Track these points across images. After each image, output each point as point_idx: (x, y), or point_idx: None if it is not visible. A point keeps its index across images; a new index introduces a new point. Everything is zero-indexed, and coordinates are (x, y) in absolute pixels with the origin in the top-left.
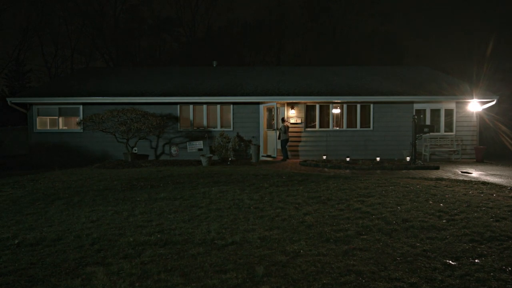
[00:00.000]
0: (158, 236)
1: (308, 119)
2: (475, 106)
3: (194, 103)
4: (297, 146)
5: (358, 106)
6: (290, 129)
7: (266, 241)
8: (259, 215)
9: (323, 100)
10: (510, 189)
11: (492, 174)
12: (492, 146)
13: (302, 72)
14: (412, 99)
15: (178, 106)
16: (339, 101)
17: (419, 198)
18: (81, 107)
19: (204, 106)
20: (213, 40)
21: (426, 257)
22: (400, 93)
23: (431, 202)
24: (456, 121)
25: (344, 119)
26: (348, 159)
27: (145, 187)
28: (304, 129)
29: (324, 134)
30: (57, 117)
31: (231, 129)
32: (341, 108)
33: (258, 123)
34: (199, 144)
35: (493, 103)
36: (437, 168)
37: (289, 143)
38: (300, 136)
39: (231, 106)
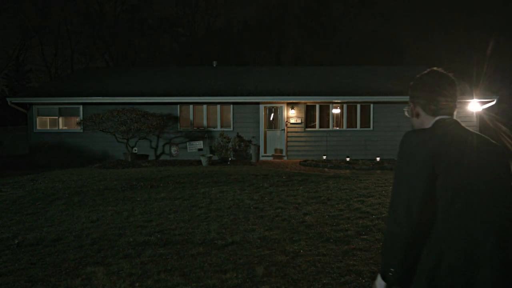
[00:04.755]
0: (158, 236)
1: (308, 119)
2: (475, 106)
3: (194, 103)
4: (297, 146)
5: (358, 106)
6: (290, 129)
7: (266, 241)
8: (259, 215)
9: (323, 100)
10: None
11: None
12: None
13: (302, 72)
14: None
15: (178, 106)
16: (339, 101)
17: None
18: (81, 107)
19: (204, 106)
20: (213, 40)
21: None
22: (400, 93)
23: None
24: None
25: (344, 119)
26: (348, 159)
27: (145, 187)
28: (304, 129)
29: (324, 134)
30: (57, 117)
31: (231, 129)
32: (341, 108)
33: (258, 123)
34: (199, 144)
35: (493, 103)
36: None
37: (289, 143)
38: (300, 136)
39: (231, 106)
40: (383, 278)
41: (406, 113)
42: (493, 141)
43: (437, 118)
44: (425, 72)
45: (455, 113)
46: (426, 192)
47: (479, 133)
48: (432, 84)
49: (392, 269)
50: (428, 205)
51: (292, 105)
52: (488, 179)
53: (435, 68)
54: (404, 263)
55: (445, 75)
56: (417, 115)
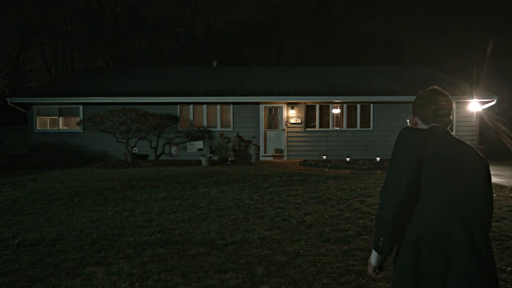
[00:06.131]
0: (158, 236)
1: (308, 119)
2: (475, 106)
3: (194, 103)
4: (297, 146)
5: (358, 106)
6: (290, 129)
7: (266, 241)
8: (259, 215)
9: (323, 100)
10: (510, 189)
11: (492, 174)
12: (492, 146)
13: (302, 72)
14: (412, 99)
15: (178, 106)
16: (339, 101)
17: None
18: (81, 107)
19: (204, 106)
20: (213, 40)
21: None
22: (400, 93)
23: None
24: (456, 121)
25: (344, 119)
26: (348, 159)
27: (145, 187)
28: (304, 129)
29: (324, 134)
30: (57, 117)
31: (231, 129)
32: (341, 108)
33: (258, 123)
34: (199, 144)
35: (493, 103)
36: None
37: (289, 143)
38: (300, 136)
39: (231, 106)
40: (375, 249)
41: (408, 123)
42: (475, 147)
43: (431, 124)
44: (427, 89)
45: (449, 125)
46: (413, 172)
47: (464, 140)
48: (429, 99)
49: (382, 238)
50: (414, 185)
51: (292, 105)
52: (465, 172)
53: (435, 87)
54: (392, 232)
55: (441, 92)
56: (415, 124)
